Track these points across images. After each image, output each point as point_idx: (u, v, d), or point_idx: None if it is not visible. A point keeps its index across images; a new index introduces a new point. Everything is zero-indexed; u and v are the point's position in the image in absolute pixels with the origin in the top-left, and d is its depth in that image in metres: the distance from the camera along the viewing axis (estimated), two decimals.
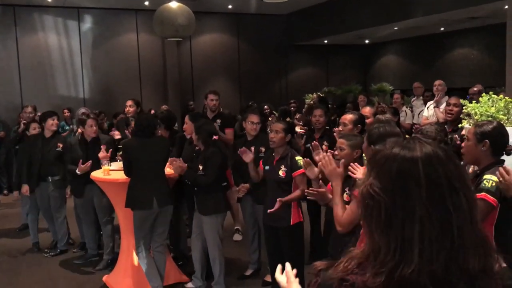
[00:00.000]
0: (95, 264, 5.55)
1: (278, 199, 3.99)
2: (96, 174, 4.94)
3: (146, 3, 11.48)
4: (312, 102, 10.29)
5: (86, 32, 12.14)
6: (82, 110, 7.77)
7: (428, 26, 11.86)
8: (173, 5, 8.98)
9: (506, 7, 4.50)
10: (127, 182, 4.46)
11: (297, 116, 10.01)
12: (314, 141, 4.11)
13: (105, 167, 4.88)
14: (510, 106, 3.33)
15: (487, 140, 2.75)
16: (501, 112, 3.29)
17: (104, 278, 5.05)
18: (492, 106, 3.32)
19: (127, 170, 4.44)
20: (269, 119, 9.39)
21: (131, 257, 4.82)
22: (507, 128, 3.26)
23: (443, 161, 1.05)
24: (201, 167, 4.33)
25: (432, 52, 14.04)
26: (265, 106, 10.52)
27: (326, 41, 14.42)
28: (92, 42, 12.19)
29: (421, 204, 1.02)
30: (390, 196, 1.05)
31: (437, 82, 8.23)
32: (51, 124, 5.77)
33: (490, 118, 3.26)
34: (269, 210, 4.08)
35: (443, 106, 7.57)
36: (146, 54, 12.65)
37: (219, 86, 13.35)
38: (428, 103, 7.82)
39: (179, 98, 12.66)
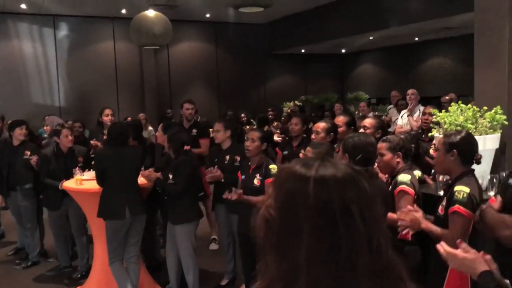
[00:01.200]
0: (67, 275, 5.44)
1: (235, 189, 3.97)
2: (68, 184, 4.86)
3: (123, 11, 11.43)
4: (289, 111, 10.39)
5: (62, 40, 12.00)
6: (56, 119, 7.65)
7: (403, 36, 12.07)
8: (150, 13, 8.95)
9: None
10: (100, 192, 4.40)
11: (275, 124, 10.06)
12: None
13: (77, 176, 4.81)
14: (478, 115, 3.39)
15: (455, 150, 2.78)
16: (470, 121, 3.34)
17: None
18: (461, 115, 3.38)
19: (99, 179, 4.38)
20: (246, 127, 9.43)
21: (105, 268, 4.73)
22: (476, 137, 3.33)
23: (342, 183, 1.00)
24: (171, 176, 4.30)
25: (407, 61, 14.29)
26: (242, 114, 10.55)
27: (303, 50, 14.56)
28: (68, 50, 12.07)
29: (309, 227, 0.97)
30: (281, 218, 1.01)
31: (410, 91, 8.36)
32: (19, 133, 5.67)
33: (458, 128, 3.32)
34: (224, 195, 4.05)
35: (416, 114, 7.70)
36: (123, 62, 12.57)
37: (197, 94, 13.35)
38: (402, 112, 7.94)
39: (156, 106, 12.59)
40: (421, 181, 3.67)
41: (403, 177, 3.09)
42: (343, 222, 0.97)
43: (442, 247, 1.68)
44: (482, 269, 1.57)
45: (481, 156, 2.87)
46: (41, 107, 11.57)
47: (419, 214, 2.83)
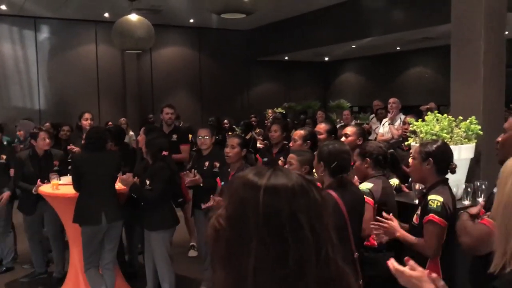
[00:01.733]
0: (43, 282, 5.34)
1: (212, 196, 3.97)
2: (44, 189, 4.78)
3: (106, 14, 11.35)
4: (270, 118, 10.40)
5: (43, 43, 11.87)
6: (32, 124, 7.55)
7: (385, 45, 12.21)
8: (133, 17, 8.90)
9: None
10: (76, 197, 4.34)
11: (257, 130, 10.06)
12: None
13: (54, 181, 4.74)
14: (454, 125, 3.44)
15: (431, 159, 2.81)
16: (445, 131, 3.38)
17: None
18: (436, 125, 3.42)
19: (76, 184, 4.32)
20: (229, 133, 9.41)
21: (80, 274, 4.67)
22: (451, 147, 3.37)
23: (292, 192, 1.00)
24: (148, 182, 4.26)
25: (389, 70, 14.46)
26: (225, 121, 10.53)
27: (287, 58, 14.63)
28: (50, 52, 11.93)
29: (257, 235, 0.97)
30: (231, 227, 1.00)
31: (391, 100, 8.44)
32: None
33: (434, 137, 3.35)
34: (203, 206, 4.04)
35: (397, 123, 7.78)
36: (105, 66, 12.47)
37: (180, 99, 13.30)
38: (384, 120, 8.02)
39: (138, 111, 12.51)
40: (398, 189, 3.70)
41: (363, 186, 3.14)
42: (292, 231, 0.97)
43: (391, 264, 1.67)
44: (427, 287, 1.59)
45: (456, 166, 2.90)
46: (20, 110, 11.40)
47: (394, 223, 2.85)
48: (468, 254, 2.47)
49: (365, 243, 3.14)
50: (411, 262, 1.65)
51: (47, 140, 5.19)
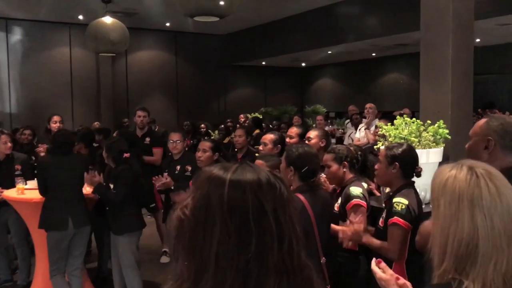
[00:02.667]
0: None
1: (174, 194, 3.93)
2: (9, 193, 4.65)
3: (80, 17, 11.18)
4: (246, 122, 10.37)
5: (14, 45, 11.63)
6: None
7: (361, 52, 12.33)
8: (107, 20, 8.80)
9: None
10: (42, 201, 4.23)
11: (233, 135, 10.03)
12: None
13: (19, 185, 4.61)
14: (422, 129, 3.46)
15: (397, 163, 2.81)
16: (413, 135, 3.40)
17: None
18: (405, 129, 3.43)
19: (41, 189, 4.21)
20: (205, 138, 9.34)
21: (46, 281, 4.54)
22: (418, 151, 3.39)
23: (258, 186, 1.02)
24: (112, 186, 4.18)
25: (365, 76, 14.60)
26: (202, 125, 10.46)
27: (264, 63, 14.64)
28: (22, 55, 11.70)
29: (220, 223, 0.99)
30: (195, 217, 1.02)
31: (368, 105, 8.52)
32: None
33: (402, 140, 3.37)
34: (172, 212, 4.01)
35: (373, 128, 7.84)
36: (79, 69, 12.28)
37: (156, 103, 13.18)
38: (360, 125, 8.08)
39: (112, 115, 12.34)
40: (370, 193, 3.70)
41: (355, 190, 3.10)
42: (255, 218, 0.99)
43: (372, 264, 1.71)
44: None
45: (421, 169, 2.91)
46: None
47: (360, 226, 2.83)
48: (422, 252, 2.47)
49: (345, 246, 3.11)
50: (383, 265, 1.67)
51: (8, 144, 5.03)
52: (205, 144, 4.16)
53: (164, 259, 6.24)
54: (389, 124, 3.58)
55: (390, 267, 2.74)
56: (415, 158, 2.90)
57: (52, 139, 4.43)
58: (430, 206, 3.12)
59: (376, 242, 2.76)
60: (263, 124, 9.95)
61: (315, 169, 2.85)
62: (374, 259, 1.72)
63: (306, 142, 4.10)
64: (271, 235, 1.00)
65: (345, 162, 3.23)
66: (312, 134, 4.17)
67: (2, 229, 5.20)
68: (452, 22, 3.66)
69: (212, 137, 9.16)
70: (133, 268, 4.33)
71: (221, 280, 0.97)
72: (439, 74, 3.71)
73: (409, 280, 2.68)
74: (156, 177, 4.63)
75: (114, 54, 10.38)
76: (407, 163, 2.84)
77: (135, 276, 4.35)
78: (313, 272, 1.08)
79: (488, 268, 1.26)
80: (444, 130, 3.45)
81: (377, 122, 8.23)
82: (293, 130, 4.66)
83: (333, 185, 3.43)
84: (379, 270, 1.65)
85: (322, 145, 4.04)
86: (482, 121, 2.41)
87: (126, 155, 4.32)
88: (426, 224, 2.40)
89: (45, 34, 11.86)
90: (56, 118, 6.31)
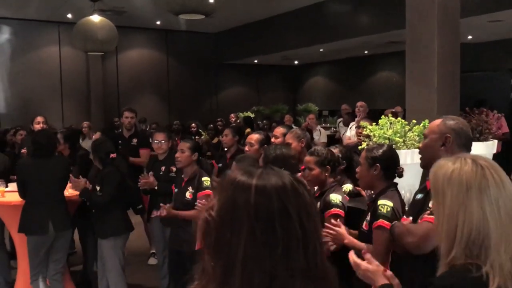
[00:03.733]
0: None
1: (162, 205, 3.86)
2: None
3: (69, 15, 11.07)
4: (237, 121, 10.30)
5: (3, 44, 11.50)
6: None
7: (353, 49, 12.27)
8: (95, 18, 8.70)
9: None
10: (22, 204, 4.14)
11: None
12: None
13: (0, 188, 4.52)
14: (407, 128, 3.39)
15: (378, 164, 2.75)
16: (398, 135, 3.33)
17: None
18: (389, 129, 3.36)
19: (21, 191, 4.13)
20: (196, 137, 9.26)
21: (28, 286, 4.45)
22: (403, 151, 3.32)
23: (283, 190, 1.05)
24: (98, 188, 4.09)
25: (357, 74, 14.54)
26: (193, 124, 10.37)
27: (256, 61, 14.55)
28: (10, 54, 11.57)
29: (247, 227, 1.01)
30: (221, 219, 1.05)
31: (359, 104, 8.46)
32: None
33: (387, 141, 3.30)
34: (153, 213, 3.94)
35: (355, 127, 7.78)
36: (69, 68, 12.16)
37: (147, 102, 13.08)
38: (351, 124, 8.01)
39: (103, 114, 12.23)
40: (355, 194, 3.62)
41: (335, 198, 3.03)
42: (282, 223, 1.01)
43: (351, 256, 1.73)
44: (381, 282, 1.66)
45: (403, 169, 2.85)
46: None
47: (342, 229, 2.76)
48: (413, 253, 2.40)
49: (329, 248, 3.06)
50: (368, 256, 1.70)
51: None
52: (184, 144, 4.07)
53: (152, 261, 6.16)
54: (373, 124, 3.50)
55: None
56: (396, 159, 2.84)
57: (32, 140, 4.33)
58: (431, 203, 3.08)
59: (360, 244, 2.69)
60: (254, 124, 9.88)
61: (291, 171, 2.77)
62: (352, 251, 1.71)
63: (273, 139, 4.11)
64: (297, 239, 1.02)
65: (328, 167, 3.15)
66: (279, 132, 4.14)
67: None
68: (437, 20, 3.59)
69: (202, 137, 9.08)
70: (118, 273, 4.24)
71: (247, 282, 0.99)
72: (424, 73, 3.65)
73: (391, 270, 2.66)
74: (142, 175, 4.55)
75: (103, 53, 10.27)
76: (388, 164, 2.77)
77: (119, 281, 4.26)
78: (336, 276, 1.10)
79: (500, 252, 1.35)
80: None
81: (361, 121, 8.21)
82: (279, 130, 4.59)
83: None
84: (363, 262, 1.67)
85: (262, 151, 4.03)
86: (438, 120, 2.50)
87: (113, 155, 4.24)
88: (418, 225, 2.35)
89: (34, 33, 11.73)
90: (39, 119, 6.20)
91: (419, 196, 2.50)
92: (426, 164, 2.46)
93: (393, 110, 8.87)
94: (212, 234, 1.05)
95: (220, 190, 1.09)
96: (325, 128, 10.42)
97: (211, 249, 1.05)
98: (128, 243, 5.94)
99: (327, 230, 2.78)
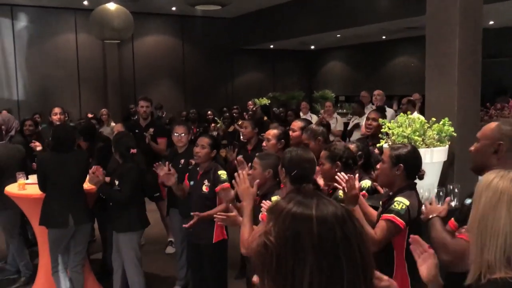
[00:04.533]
0: (13, 282, 5.22)
1: (194, 214, 3.88)
2: (10, 189, 4.63)
3: (85, 2, 11.08)
4: (254, 109, 10.25)
5: (20, 31, 11.57)
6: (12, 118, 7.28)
7: (370, 34, 12.09)
8: (111, 6, 8.68)
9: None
10: (43, 197, 4.21)
11: (240, 122, 9.92)
12: (239, 157, 4.00)
13: (20, 180, 4.59)
14: (426, 127, 3.34)
15: (401, 164, 2.72)
16: (417, 133, 3.28)
17: None
18: (409, 127, 3.32)
19: (41, 185, 4.19)
20: (212, 125, 9.27)
21: (50, 276, 4.55)
22: (422, 150, 3.28)
23: (342, 219, 1.08)
24: (117, 182, 4.13)
25: (375, 59, 14.34)
26: (209, 112, 10.36)
27: (272, 46, 14.43)
28: (28, 41, 11.64)
29: (313, 257, 1.03)
30: (281, 245, 1.06)
31: (376, 92, 8.37)
32: None
33: (405, 140, 3.26)
34: (184, 225, 3.98)
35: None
36: (86, 55, 12.21)
37: (163, 89, 13.11)
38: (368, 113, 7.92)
39: (120, 101, 12.30)
40: (373, 191, 3.59)
41: (342, 193, 3.01)
42: (345, 254, 1.05)
43: None
44: None
45: (424, 172, 2.82)
46: None
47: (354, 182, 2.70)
48: (447, 270, 2.37)
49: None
50: (377, 274, 1.63)
51: None
52: (204, 140, 4.08)
53: (169, 250, 6.24)
54: (392, 121, 3.45)
55: (393, 259, 2.68)
56: (419, 161, 2.81)
57: (52, 135, 4.37)
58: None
59: (364, 222, 2.61)
60: (273, 109, 9.80)
61: (305, 174, 2.76)
62: None
63: (265, 143, 4.12)
64: (359, 268, 1.06)
65: (338, 162, 3.12)
66: (271, 134, 4.16)
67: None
68: (459, 10, 3.49)
69: (218, 124, 9.07)
70: (134, 265, 4.31)
71: None
72: (445, 68, 3.57)
73: (409, 272, 2.65)
74: (158, 163, 4.55)
75: (119, 41, 10.28)
76: (411, 165, 2.75)
77: (136, 273, 4.33)
78: None
79: None
80: (450, 128, 3.32)
81: (387, 109, 8.11)
82: (296, 124, 4.56)
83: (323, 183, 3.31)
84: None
85: (280, 146, 4.07)
86: (493, 124, 2.35)
87: (133, 151, 4.26)
88: (455, 241, 2.30)
89: (51, 20, 11.78)
90: (56, 110, 6.22)
91: (468, 201, 2.43)
92: (477, 168, 2.39)
93: (411, 97, 8.74)
94: (272, 260, 1.06)
95: (275, 218, 1.10)
96: (342, 115, 10.31)
97: (271, 276, 1.07)
98: (146, 230, 6.01)
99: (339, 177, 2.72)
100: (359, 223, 1.13)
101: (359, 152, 3.50)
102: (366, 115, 7.62)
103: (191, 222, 3.91)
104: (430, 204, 2.54)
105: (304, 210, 1.08)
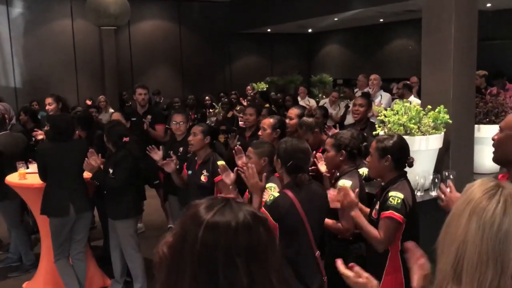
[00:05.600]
0: (15, 269, 5.30)
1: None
2: (11, 178, 4.67)
3: None
4: (252, 94, 10.24)
5: (16, 18, 11.49)
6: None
7: (368, 17, 12.03)
8: None
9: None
10: (43, 187, 4.25)
11: (238, 108, 9.92)
12: (237, 146, 4.04)
13: (21, 170, 4.62)
14: (422, 114, 3.37)
15: (389, 155, 2.76)
16: (413, 121, 3.32)
17: (25, 284, 4.84)
18: (404, 114, 3.35)
19: (41, 175, 4.23)
20: (210, 110, 9.27)
21: (52, 264, 4.62)
22: (417, 137, 3.33)
23: (234, 231, 0.99)
24: (111, 171, 4.17)
25: (373, 42, 14.30)
26: (206, 97, 10.35)
27: (269, 30, 14.37)
28: (24, 28, 11.57)
29: (191, 271, 0.98)
30: (171, 256, 1.02)
31: (372, 77, 8.33)
32: None
33: (401, 128, 3.29)
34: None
35: (377, 100, 7.70)
36: (82, 41, 12.15)
37: (160, 74, 13.07)
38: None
39: (117, 87, 12.28)
40: (368, 178, 3.63)
41: (342, 183, 3.06)
42: (225, 273, 0.96)
43: (339, 266, 1.66)
44: None
45: (413, 159, 2.86)
46: None
47: (354, 199, 2.77)
48: None
49: (339, 236, 3.11)
50: (356, 269, 1.63)
51: None
52: (196, 128, 4.11)
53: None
54: (388, 109, 3.48)
55: (385, 258, 2.74)
56: (406, 149, 2.85)
57: (50, 124, 4.39)
58: (433, 193, 3.08)
59: (367, 224, 2.71)
60: (269, 99, 9.75)
61: (300, 165, 2.80)
62: (340, 261, 1.66)
63: (260, 132, 4.13)
64: (242, 286, 0.97)
65: (343, 151, 3.17)
66: (266, 124, 4.17)
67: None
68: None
69: (216, 110, 9.08)
70: (135, 251, 4.39)
71: None
72: (441, 56, 3.58)
73: (404, 270, 2.70)
74: (151, 146, 4.55)
75: (115, 27, 10.22)
76: (399, 155, 2.79)
77: (136, 258, 4.41)
78: None
79: (473, 284, 1.20)
80: (445, 115, 3.36)
81: (382, 93, 8.10)
82: (293, 112, 4.59)
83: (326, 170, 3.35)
84: (352, 273, 1.61)
85: (275, 136, 4.06)
86: None
87: (126, 139, 4.29)
88: None
89: (46, 6, 11.69)
90: (48, 100, 6.15)
91: None
92: (499, 159, 2.34)
93: (407, 82, 8.73)
94: (163, 270, 1.02)
95: (178, 223, 1.05)
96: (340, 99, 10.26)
97: (161, 285, 1.03)
98: (146, 216, 6.08)
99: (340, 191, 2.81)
100: (266, 234, 1.03)
101: (365, 143, 3.54)
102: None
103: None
104: (449, 191, 2.42)
105: (202, 213, 1.02)
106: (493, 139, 2.36)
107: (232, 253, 0.97)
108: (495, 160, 2.39)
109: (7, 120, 5.30)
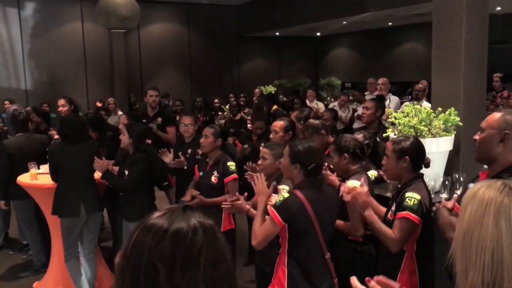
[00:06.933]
0: (25, 269, 5.34)
1: (197, 196, 3.94)
2: (22, 179, 4.71)
3: None
4: (254, 98, 10.24)
5: (27, 20, 11.61)
6: (14, 107, 7.33)
7: (377, 21, 12.02)
8: None
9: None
10: (55, 187, 4.29)
11: (246, 110, 9.94)
12: (249, 163, 4.06)
13: (32, 170, 4.67)
14: (432, 116, 3.37)
15: (407, 157, 2.75)
16: (423, 123, 3.32)
17: (35, 284, 4.87)
18: (415, 117, 3.35)
19: (53, 175, 4.26)
20: (219, 113, 9.30)
21: (63, 264, 4.65)
22: (428, 139, 3.32)
23: (161, 236, 0.99)
24: (126, 172, 4.19)
25: (381, 45, 14.28)
26: (215, 100, 10.39)
27: (278, 33, 14.40)
28: (34, 31, 11.69)
29: (125, 267, 0.99)
30: (121, 262, 1.02)
31: (380, 80, 8.32)
32: None
33: (411, 130, 3.29)
34: (182, 198, 4.05)
35: (387, 103, 7.68)
36: (92, 44, 12.25)
37: (169, 77, 13.14)
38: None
39: (126, 90, 12.35)
40: (379, 180, 3.63)
41: (351, 183, 3.05)
42: (145, 276, 0.96)
43: (353, 282, 1.53)
44: None
45: (430, 160, 2.86)
46: (5, 90, 11.21)
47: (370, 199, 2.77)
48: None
49: (349, 237, 3.11)
50: (372, 284, 1.52)
51: None
52: (208, 130, 4.13)
53: None
54: (398, 111, 3.48)
55: (400, 260, 2.73)
56: (423, 150, 2.85)
57: (63, 126, 4.41)
58: (443, 196, 3.06)
59: (381, 224, 2.70)
60: (275, 101, 9.76)
61: (321, 166, 2.81)
62: (354, 278, 1.54)
63: (272, 135, 4.13)
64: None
65: (346, 154, 3.16)
66: (278, 126, 4.14)
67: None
68: (466, 2, 3.51)
69: (224, 112, 9.11)
70: None
71: None
72: (452, 58, 3.59)
73: (419, 271, 2.70)
74: (163, 149, 4.58)
75: (125, 30, 10.29)
76: (417, 155, 2.78)
77: None
78: None
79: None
80: (455, 117, 3.36)
81: (390, 97, 8.09)
82: (277, 124, 4.46)
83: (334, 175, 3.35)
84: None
85: (288, 138, 4.05)
86: (498, 114, 2.40)
87: (148, 141, 4.30)
88: None
89: (57, 9, 11.80)
90: (61, 101, 6.22)
91: (471, 185, 2.46)
92: (481, 158, 2.44)
93: (420, 85, 8.68)
94: (119, 281, 1.01)
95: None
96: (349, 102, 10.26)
97: None
98: None
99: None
100: (217, 245, 1.02)
101: (366, 141, 3.53)
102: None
103: (193, 202, 3.96)
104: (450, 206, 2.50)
105: (152, 217, 1.03)
106: (474, 139, 2.42)
107: (153, 256, 0.97)
108: (477, 159, 2.47)
109: (30, 122, 5.37)
